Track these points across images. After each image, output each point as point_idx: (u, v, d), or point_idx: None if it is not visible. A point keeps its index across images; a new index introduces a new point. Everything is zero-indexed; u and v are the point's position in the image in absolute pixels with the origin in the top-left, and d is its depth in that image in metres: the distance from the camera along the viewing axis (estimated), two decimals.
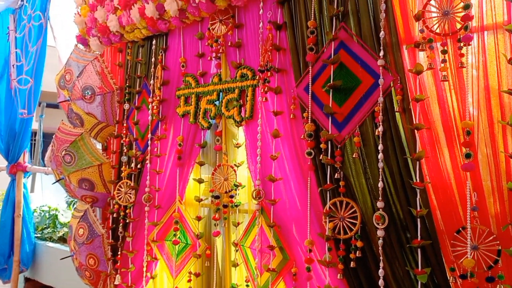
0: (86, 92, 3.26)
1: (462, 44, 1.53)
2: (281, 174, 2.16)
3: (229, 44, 2.38)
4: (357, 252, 1.83)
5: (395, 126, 1.73)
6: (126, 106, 3.15)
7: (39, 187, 5.53)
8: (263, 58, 2.17)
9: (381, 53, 1.74)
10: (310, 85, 1.97)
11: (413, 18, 1.65)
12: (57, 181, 3.43)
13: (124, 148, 3.15)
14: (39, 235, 4.66)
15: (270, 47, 2.09)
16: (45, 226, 4.85)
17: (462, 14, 1.53)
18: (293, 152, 2.08)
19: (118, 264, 3.04)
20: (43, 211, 5.03)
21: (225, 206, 2.47)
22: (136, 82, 3.08)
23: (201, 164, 2.62)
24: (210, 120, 2.55)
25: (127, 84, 3.17)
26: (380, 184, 1.74)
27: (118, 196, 3.10)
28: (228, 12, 2.37)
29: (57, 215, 4.98)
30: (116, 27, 2.95)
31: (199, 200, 2.62)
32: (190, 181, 2.72)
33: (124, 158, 3.12)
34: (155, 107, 2.83)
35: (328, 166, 1.92)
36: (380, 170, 1.74)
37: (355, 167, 1.86)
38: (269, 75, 2.12)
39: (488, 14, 1.52)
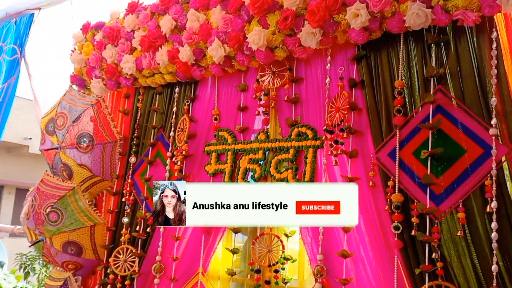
0: (82, 140, 2.82)
1: None
2: (351, 250, 1.88)
3: (285, 99, 2.13)
4: None
5: (510, 202, 1.56)
6: (133, 159, 2.74)
7: None
8: (331, 118, 1.95)
9: (493, 121, 1.59)
10: (397, 151, 1.77)
11: None
12: (34, 243, 2.84)
13: (127, 207, 2.70)
14: None
15: (347, 106, 1.88)
16: None
17: None
18: (372, 225, 1.83)
19: None
20: None
21: (267, 283, 2.13)
22: (149, 133, 2.70)
23: (236, 231, 2.27)
24: (251, 181, 2.23)
25: (135, 135, 2.78)
26: (494, 268, 1.54)
27: (115, 265, 2.63)
28: (284, 64, 2.16)
29: None
30: (132, 70, 2.60)
31: (232, 273, 2.23)
32: (218, 251, 2.34)
33: (126, 220, 2.67)
34: (178, 162, 2.45)
35: (425, 244, 1.68)
36: (495, 251, 1.54)
37: (455, 246, 1.64)
38: (344, 136, 1.90)
39: None
